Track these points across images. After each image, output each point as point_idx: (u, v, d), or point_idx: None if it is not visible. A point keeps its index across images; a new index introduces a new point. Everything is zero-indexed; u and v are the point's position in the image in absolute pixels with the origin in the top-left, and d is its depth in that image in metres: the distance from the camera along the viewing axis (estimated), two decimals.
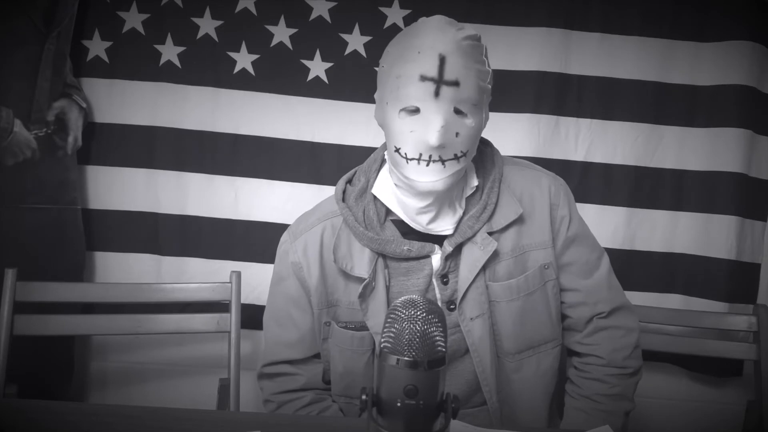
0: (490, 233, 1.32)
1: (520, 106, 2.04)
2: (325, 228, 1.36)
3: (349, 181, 1.40)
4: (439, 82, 1.19)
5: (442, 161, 1.22)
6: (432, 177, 1.22)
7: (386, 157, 1.34)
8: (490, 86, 1.28)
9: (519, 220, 1.34)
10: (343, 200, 1.36)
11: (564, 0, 2.02)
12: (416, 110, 1.21)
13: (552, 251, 1.36)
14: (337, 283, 1.35)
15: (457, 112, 1.22)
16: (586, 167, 2.06)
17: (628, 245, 2.07)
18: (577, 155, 2.06)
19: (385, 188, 1.34)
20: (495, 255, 1.32)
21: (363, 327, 1.33)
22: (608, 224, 2.06)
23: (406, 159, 1.23)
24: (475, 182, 1.35)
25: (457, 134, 1.21)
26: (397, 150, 1.24)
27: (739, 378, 2.07)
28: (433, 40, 1.21)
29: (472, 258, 1.31)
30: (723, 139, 2.02)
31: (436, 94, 1.19)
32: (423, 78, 1.19)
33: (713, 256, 2.05)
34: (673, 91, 2.04)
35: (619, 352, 1.38)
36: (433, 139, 1.18)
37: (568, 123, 2.05)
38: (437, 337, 0.87)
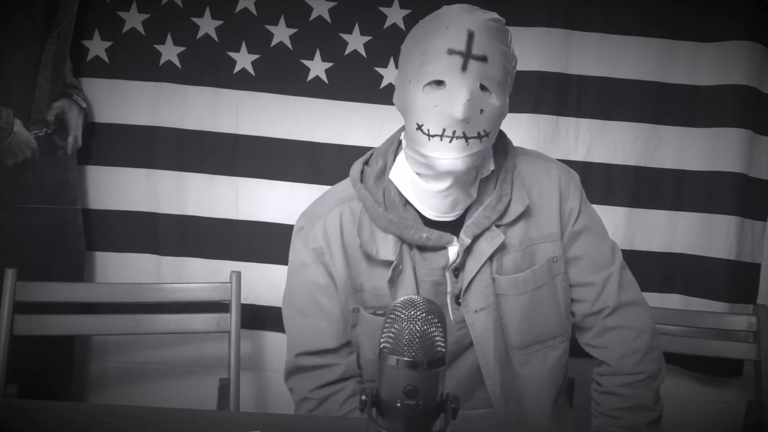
0: (498, 225, 1.30)
1: (520, 106, 2.02)
2: (343, 212, 1.32)
3: (366, 163, 1.37)
4: (467, 56, 1.17)
5: (466, 138, 1.19)
6: (453, 154, 1.19)
7: (403, 142, 1.31)
8: (514, 71, 1.26)
9: (527, 213, 1.32)
10: (361, 181, 1.33)
11: (564, 0, 2.01)
12: (441, 84, 1.19)
13: (560, 244, 1.34)
14: (360, 267, 1.31)
15: (483, 88, 1.20)
16: (586, 167, 2.05)
17: (628, 245, 2.07)
18: (577, 155, 2.06)
19: (402, 176, 1.31)
20: (502, 247, 1.30)
21: None
22: (608, 224, 2.00)
23: (428, 136, 1.19)
24: (492, 166, 1.33)
25: (482, 111, 1.19)
26: (420, 127, 1.20)
27: (739, 378, 2.06)
28: (462, 17, 1.20)
29: (479, 250, 1.29)
30: (723, 139, 2.02)
31: (464, 67, 1.18)
32: (451, 51, 1.18)
33: (713, 256, 2.04)
34: (673, 91, 2.03)
35: (628, 357, 1.33)
36: (459, 112, 1.16)
37: (568, 123, 2.05)
38: (437, 338, 0.87)
